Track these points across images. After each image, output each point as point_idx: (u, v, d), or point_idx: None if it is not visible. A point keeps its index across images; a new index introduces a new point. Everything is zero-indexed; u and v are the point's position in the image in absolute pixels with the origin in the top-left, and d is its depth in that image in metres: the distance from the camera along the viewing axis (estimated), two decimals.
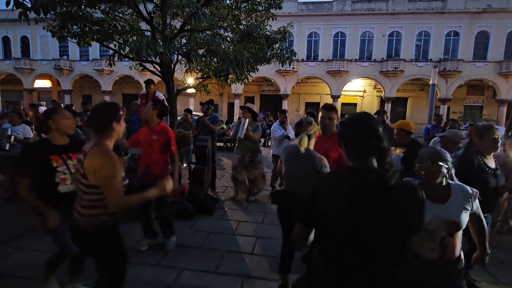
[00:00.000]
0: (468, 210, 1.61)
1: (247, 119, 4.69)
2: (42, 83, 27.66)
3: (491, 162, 2.36)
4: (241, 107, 5.04)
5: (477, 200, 1.66)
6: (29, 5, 4.52)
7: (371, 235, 1.09)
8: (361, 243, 1.11)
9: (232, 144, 10.49)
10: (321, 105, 3.01)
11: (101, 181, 1.56)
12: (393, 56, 23.13)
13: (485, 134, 2.37)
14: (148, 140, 3.14)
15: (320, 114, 2.80)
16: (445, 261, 1.61)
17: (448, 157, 1.66)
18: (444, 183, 1.65)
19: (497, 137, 2.33)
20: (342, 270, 1.16)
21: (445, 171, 1.62)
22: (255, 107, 5.14)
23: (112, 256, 1.75)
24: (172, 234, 3.29)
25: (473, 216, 1.68)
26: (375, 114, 5.29)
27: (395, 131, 3.65)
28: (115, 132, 1.69)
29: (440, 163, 1.61)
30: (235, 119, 20.29)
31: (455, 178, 1.78)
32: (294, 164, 2.46)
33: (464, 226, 1.60)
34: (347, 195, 1.12)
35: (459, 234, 1.62)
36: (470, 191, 1.64)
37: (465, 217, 1.60)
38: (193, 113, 6.82)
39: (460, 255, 1.65)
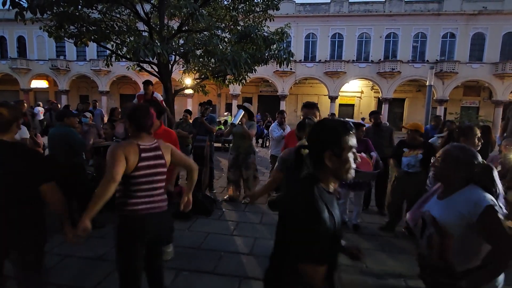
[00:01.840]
0: (462, 219, 1.39)
1: (243, 112, 4.78)
2: (39, 83, 27.50)
3: None
4: (238, 106, 5.08)
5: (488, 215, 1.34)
6: (26, 5, 4.51)
7: None
8: None
9: (226, 144, 10.43)
10: (319, 105, 3.04)
11: (177, 160, 1.99)
12: (390, 57, 23.25)
13: (469, 134, 2.56)
14: None
15: (302, 113, 2.86)
16: (440, 262, 1.45)
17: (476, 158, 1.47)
18: (457, 183, 1.48)
19: (479, 136, 2.56)
20: None
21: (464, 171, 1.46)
22: (252, 107, 5.18)
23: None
24: (170, 241, 3.11)
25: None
26: (369, 115, 5.29)
27: (408, 132, 3.68)
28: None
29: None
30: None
31: (500, 188, 1.44)
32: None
33: (451, 230, 1.42)
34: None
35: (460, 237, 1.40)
36: (476, 204, 1.35)
37: (454, 223, 1.42)
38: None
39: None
